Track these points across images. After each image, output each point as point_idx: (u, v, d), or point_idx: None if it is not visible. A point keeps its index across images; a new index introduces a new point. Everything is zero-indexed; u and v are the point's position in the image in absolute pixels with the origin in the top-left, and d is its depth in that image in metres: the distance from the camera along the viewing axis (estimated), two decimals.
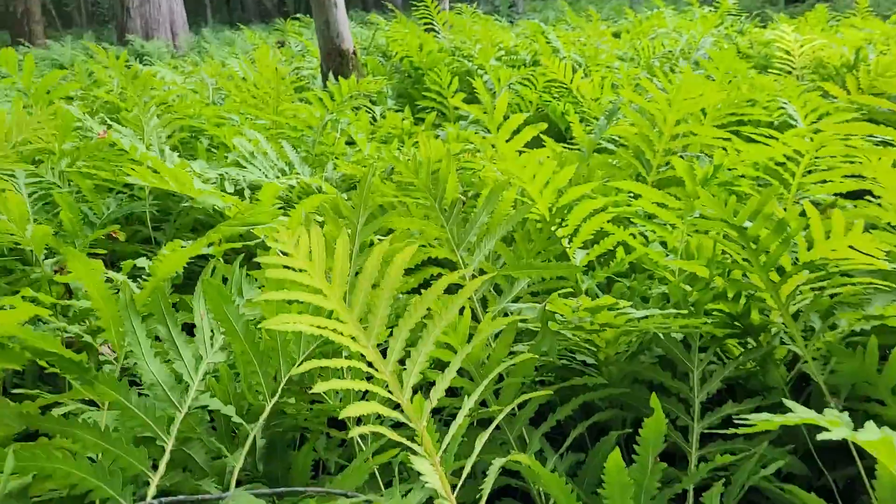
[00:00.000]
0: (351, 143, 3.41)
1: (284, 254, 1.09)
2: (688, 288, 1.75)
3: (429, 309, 1.23)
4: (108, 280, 2.07)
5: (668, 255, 1.92)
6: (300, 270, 1.08)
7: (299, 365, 1.33)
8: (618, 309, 1.44)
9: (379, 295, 1.12)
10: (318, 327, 1.10)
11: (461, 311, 1.76)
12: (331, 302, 1.09)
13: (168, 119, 2.96)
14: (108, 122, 3.22)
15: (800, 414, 1.20)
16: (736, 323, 1.72)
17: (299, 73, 6.31)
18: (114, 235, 2.13)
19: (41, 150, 3.06)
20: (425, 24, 6.59)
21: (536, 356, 1.41)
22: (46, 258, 2.21)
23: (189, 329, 1.58)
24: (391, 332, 1.21)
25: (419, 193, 1.71)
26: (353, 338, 1.12)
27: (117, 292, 1.73)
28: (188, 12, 16.77)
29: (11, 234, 2.05)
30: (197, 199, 1.70)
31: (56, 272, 1.90)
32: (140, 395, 1.34)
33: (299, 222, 1.62)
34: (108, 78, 4.46)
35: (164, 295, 1.29)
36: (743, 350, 1.75)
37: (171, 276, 1.35)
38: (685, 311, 1.52)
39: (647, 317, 1.47)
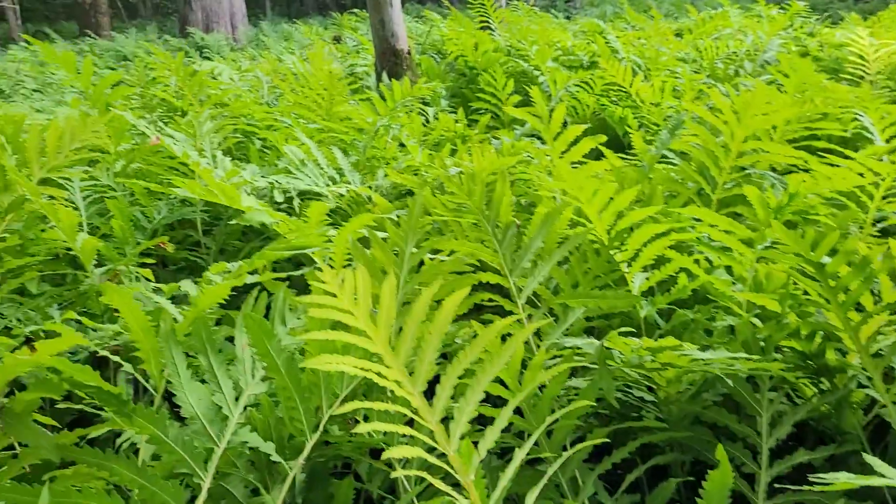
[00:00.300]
0: (404, 145, 3.36)
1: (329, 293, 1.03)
2: (758, 323, 1.64)
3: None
4: (157, 289, 2.05)
5: (734, 284, 1.80)
6: (345, 311, 1.01)
7: (341, 403, 1.27)
8: (681, 350, 1.34)
9: (426, 340, 1.05)
10: (362, 369, 1.04)
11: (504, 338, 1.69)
12: (376, 346, 1.03)
13: (220, 124, 2.94)
14: (164, 122, 3.22)
15: (885, 477, 1.09)
16: (809, 362, 1.61)
17: (354, 70, 6.29)
18: (162, 246, 2.11)
19: (97, 148, 3.08)
20: (481, 21, 6.49)
21: (592, 402, 1.32)
22: (100, 264, 2.21)
23: (232, 340, 1.54)
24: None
25: (472, 216, 1.64)
26: (398, 383, 1.06)
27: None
28: (247, 5, 16.98)
29: (64, 240, 2.05)
30: (245, 215, 1.66)
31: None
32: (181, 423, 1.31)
33: (346, 247, 1.56)
34: (166, 75, 4.49)
35: (205, 325, 1.24)
36: (816, 391, 1.64)
37: (212, 306, 1.31)
38: (756, 356, 1.41)
39: (712, 358, 1.37)
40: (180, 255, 2.55)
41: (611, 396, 1.38)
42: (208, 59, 11.20)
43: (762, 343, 1.59)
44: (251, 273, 1.49)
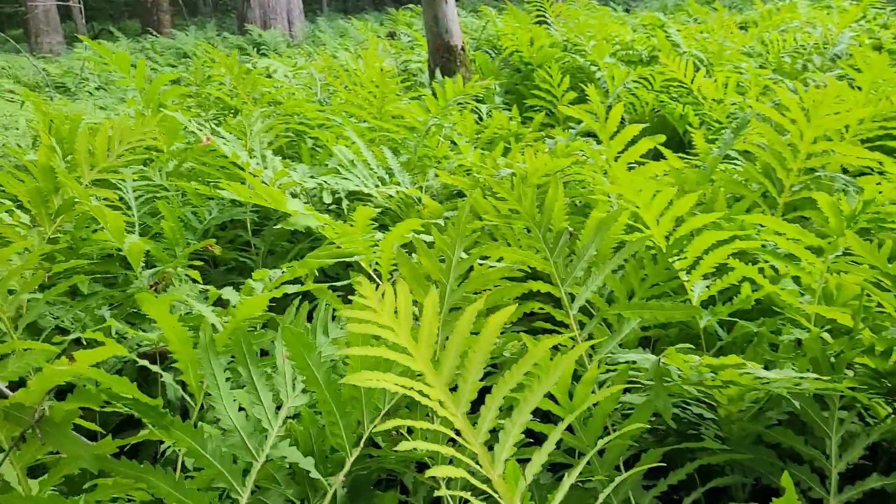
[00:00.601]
0: (456, 144, 3.30)
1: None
2: (828, 338, 1.53)
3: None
4: (205, 291, 2.04)
5: (802, 296, 1.70)
6: (385, 327, 0.97)
7: (383, 419, 1.22)
8: (744, 369, 1.26)
9: (470, 359, 0.99)
10: (404, 387, 1.00)
11: (558, 346, 1.62)
12: (418, 363, 0.98)
13: (271, 124, 2.94)
14: (218, 122, 3.23)
15: None
16: (883, 381, 1.50)
17: (408, 67, 6.26)
18: (210, 248, 2.10)
19: (153, 147, 3.11)
20: (537, 16, 6.38)
21: (647, 423, 1.25)
22: (151, 265, 2.22)
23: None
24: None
25: (521, 222, 1.57)
26: (440, 402, 1.00)
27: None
28: (304, 1, 17.12)
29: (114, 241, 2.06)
30: (289, 219, 1.63)
31: (152, 286, 1.88)
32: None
33: (392, 253, 1.52)
34: (221, 73, 4.52)
35: (245, 336, 1.21)
36: (890, 411, 1.53)
37: (253, 316, 1.27)
38: (827, 376, 1.31)
39: (778, 378, 1.28)
40: (230, 255, 2.55)
41: (667, 416, 1.30)
42: (265, 56, 11.33)
43: (832, 360, 1.49)
44: (291, 282, 1.46)
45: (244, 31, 15.47)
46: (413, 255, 1.64)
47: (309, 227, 1.68)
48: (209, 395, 1.16)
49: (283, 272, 1.43)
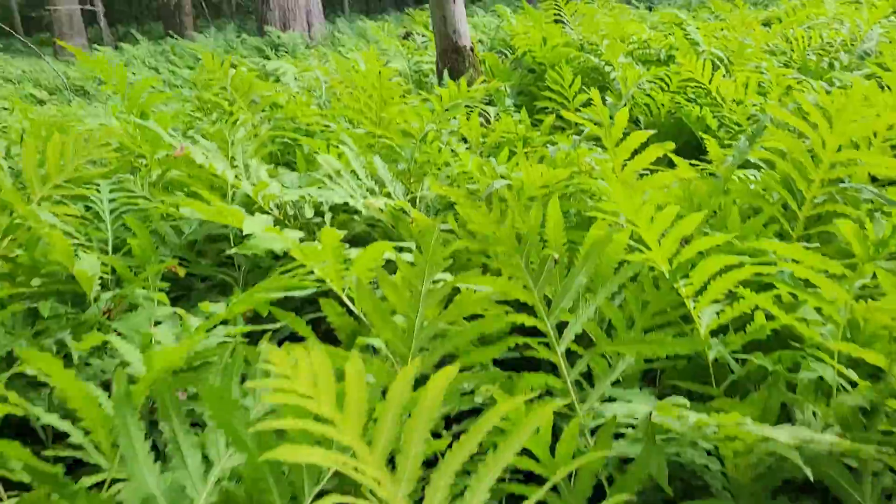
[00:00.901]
0: (456, 150, 3.13)
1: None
2: (853, 375, 1.34)
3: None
4: (176, 314, 1.89)
5: (824, 326, 1.50)
6: (304, 397, 0.80)
7: (333, 480, 1.06)
8: (746, 427, 1.07)
9: (408, 433, 0.82)
10: (336, 462, 0.83)
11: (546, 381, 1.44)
12: (346, 437, 0.81)
13: (254, 131, 2.78)
14: (197, 132, 3.09)
15: None
16: None
17: (420, 68, 6.11)
18: (173, 270, 1.95)
19: (141, 156, 2.98)
20: (554, 15, 6.17)
21: (633, 495, 1.07)
22: (120, 284, 2.08)
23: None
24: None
25: (501, 248, 1.40)
26: (378, 481, 0.84)
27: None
28: (326, 2, 17.04)
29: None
30: (248, 243, 1.48)
31: (104, 314, 1.74)
32: None
33: (366, 275, 1.35)
34: (214, 78, 4.39)
35: (167, 386, 1.05)
36: None
37: (173, 368, 1.11)
38: (856, 428, 1.13)
39: (787, 442, 1.09)
40: (209, 271, 2.40)
41: (663, 480, 1.12)
42: (281, 58, 11.26)
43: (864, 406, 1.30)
44: (230, 318, 1.30)
45: (264, 33, 15.42)
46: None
47: (272, 250, 1.52)
48: (123, 458, 1.01)
49: (214, 314, 1.27)
